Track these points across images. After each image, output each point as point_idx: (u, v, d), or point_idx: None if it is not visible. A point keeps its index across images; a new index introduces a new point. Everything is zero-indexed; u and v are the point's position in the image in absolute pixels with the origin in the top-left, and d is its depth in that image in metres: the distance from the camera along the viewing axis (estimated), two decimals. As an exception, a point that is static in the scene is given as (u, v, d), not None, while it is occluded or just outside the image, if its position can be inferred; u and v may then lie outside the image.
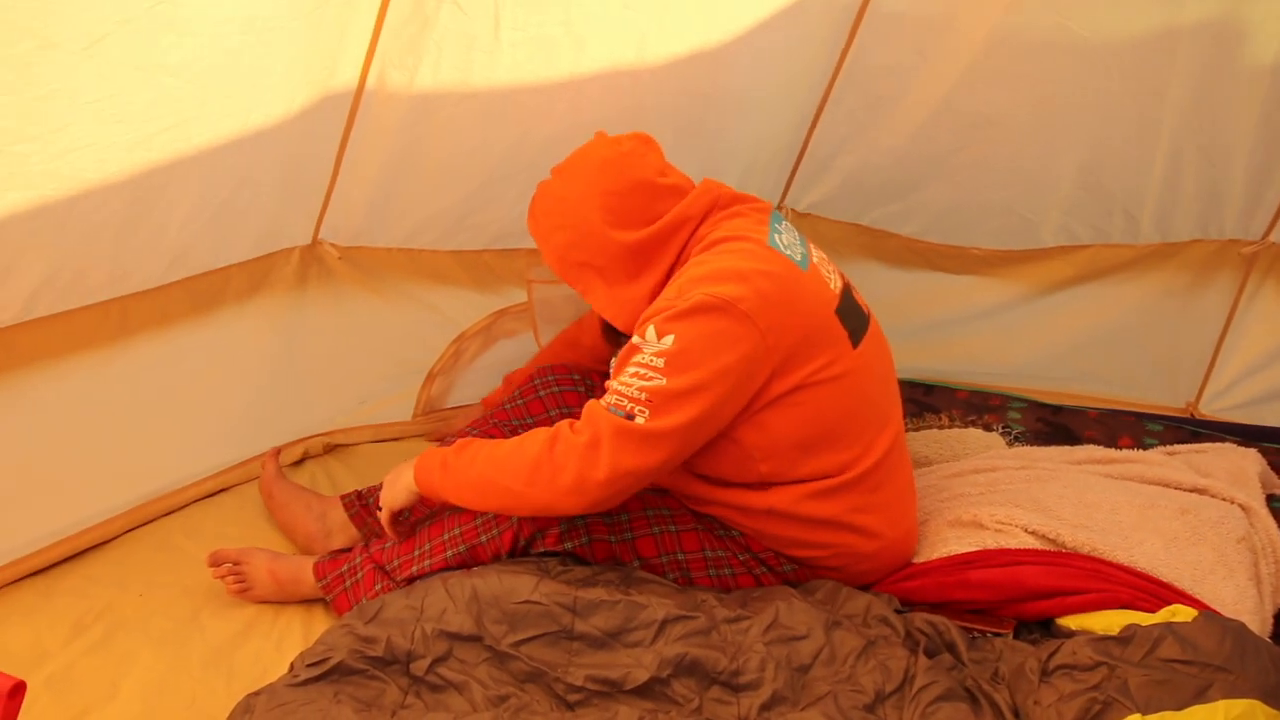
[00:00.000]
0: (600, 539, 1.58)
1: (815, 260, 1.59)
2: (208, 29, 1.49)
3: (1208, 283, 2.28)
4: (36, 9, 1.29)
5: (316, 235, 2.02)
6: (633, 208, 1.57)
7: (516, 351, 2.28)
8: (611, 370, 1.63)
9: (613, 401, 1.45)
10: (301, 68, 1.66)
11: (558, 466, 1.44)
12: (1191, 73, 1.99)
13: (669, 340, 1.44)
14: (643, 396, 1.43)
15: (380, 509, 1.65)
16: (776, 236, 1.57)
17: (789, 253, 1.54)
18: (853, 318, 1.59)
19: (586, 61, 1.86)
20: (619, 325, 1.59)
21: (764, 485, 1.55)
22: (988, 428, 2.18)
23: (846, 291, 1.61)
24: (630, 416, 1.43)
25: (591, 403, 1.48)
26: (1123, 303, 2.33)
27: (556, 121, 1.94)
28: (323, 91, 1.74)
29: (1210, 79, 1.99)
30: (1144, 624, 1.40)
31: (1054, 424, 2.21)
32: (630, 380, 1.45)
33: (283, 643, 1.64)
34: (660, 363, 1.43)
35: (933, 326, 2.44)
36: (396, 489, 1.61)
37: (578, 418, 1.49)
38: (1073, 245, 2.30)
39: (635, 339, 1.48)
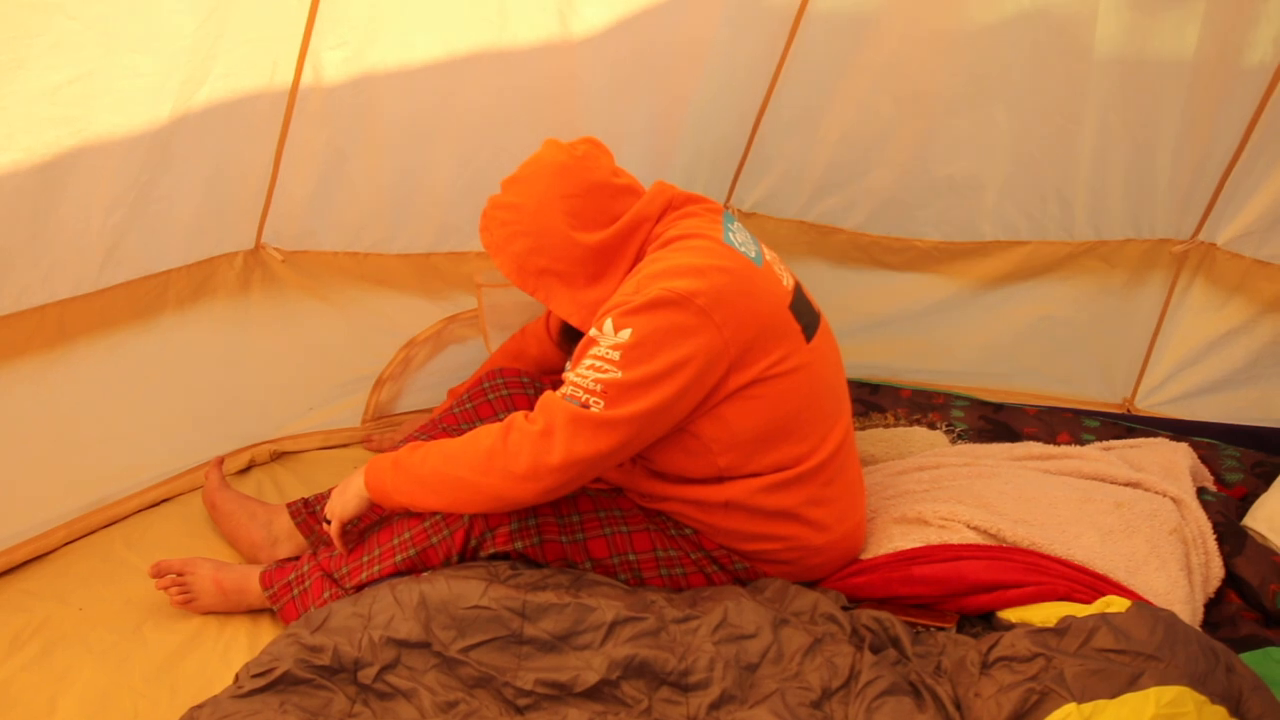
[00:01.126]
0: (551, 539, 1.59)
1: (768, 258, 1.62)
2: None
3: (1141, 281, 2.35)
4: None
5: (259, 239, 2.00)
6: (592, 209, 1.59)
7: (466, 357, 2.28)
8: (570, 363, 1.64)
9: (568, 392, 1.46)
10: (229, 54, 1.64)
11: (511, 454, 1.44)
12: (1112, 64, 2.05)
13: (625, 334, 1.45)
14: (598, 388, 1.44)
15: (328, 520, 1.63)
16: (730, 235, 1.59)
17: (743, 250, 1.57)
18: (805, 314, 1.61)
19: (510, 34, 1.87)
20: (582, 328, 1.59)
21: (721, 479, 1.57)
22: (932, 426, 2.23)
23: (798, 289, 1.64)
24: (585, 406, 1.44)
25: (547, 393, 1.50)
26: (1061, 300, 2.39)
27: (486, 96, 1.94)
28: (263, 80, 1.72)
29: (1132, 72, 2.06)
30: (1080, 615, 1.44)
31: (995, 422, 2.25)
32: (586, 372, 1.46)
33: (228, 654, 1.62)
34: (616, 355, 1.45)
35: (876, 324, 2.48)
36: (346, 496, 1.60)
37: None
38: (1011, 241, 2.35)
39: (593, 331, 1.50)
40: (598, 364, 1.46)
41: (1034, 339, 2.44)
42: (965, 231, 2.36)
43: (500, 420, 1.76)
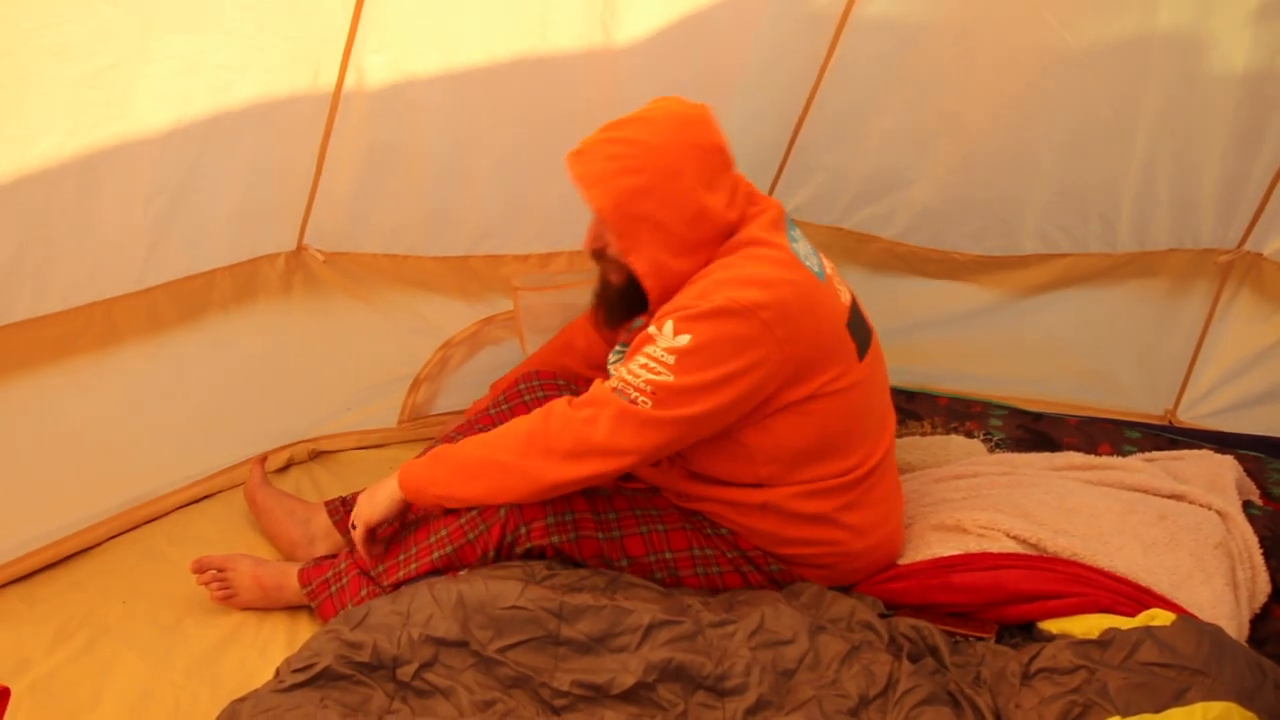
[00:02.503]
0: (588, 535, 1.58)
1: (829, 272, 1.61)
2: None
3: (1185, 291, 2.31)
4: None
5: (301, 240, 2.02)
6: (713, 171, 1.52)
7: (502, 359, 2.29)
8: (616, 356, 1.65)
9: (617, 386, 1.46)
10: (277, 56, 1.66)
11: (553, 434, 1.45)
12: (1164, 80, 2.03)
13: (685, 339, 1.44)
14: (648, 389, 1.44)
15: (354, 525, 1.62)
16: (795, 245, 1.58)
17: (807, 263, 1.55)
18: (859, 330, 1.61)
19: (551, 40, 1.87)
20: (653, 292, 1.54)
21: (760, 485, 1.57)
22: (969, 434, 2.21)
23: (854, 304, 1.63)
24: (633, 402, 1.45)
25: (596, 383, 1.50)
26: (1102, 310, 2.36)
27: (530, 102, 1.95)
28: (306, 83, 1.74)
29: (1183, 86, 2.03)
30: (1123, 628, 1.42)
31: (1034, 431, 2.23)
32: (638, 370, 1.46)
33: (267, 649, 1.64)
34: (671, 359, 1.44)
35: (913, 330, 2.46)
36: (376, 500, 1.60)
37: None
38: (1052, 254, 2.33)
39: (651, 329, 1.48)
40: (651, 364, 1.45)
41: (1074, 347, 2.41)
42: (1005, 247, 2.34)
43: None
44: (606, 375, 1.65)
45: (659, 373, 1.45)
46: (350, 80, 1.80)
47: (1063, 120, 2.13)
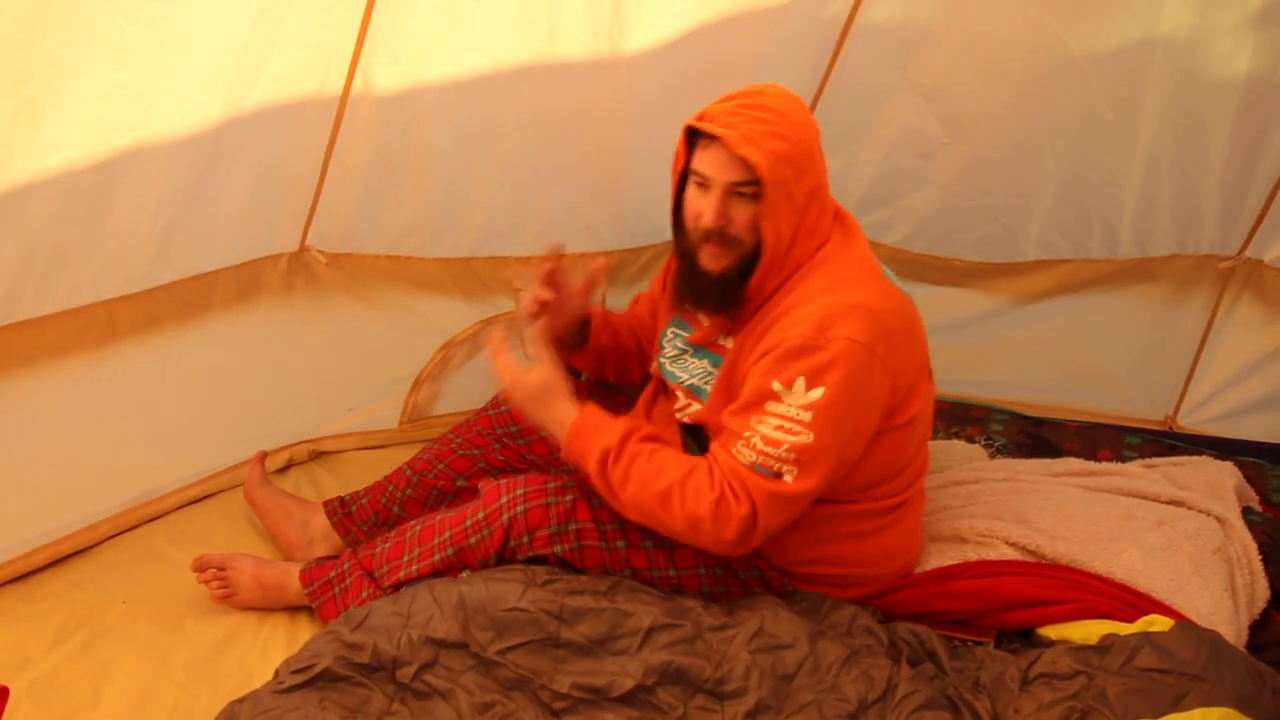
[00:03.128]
0: (591, 546, 1.58)
1: (909, 293, 1.60)
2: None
3: (1186, 297, 2.31)
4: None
5: (304, 241, 2.02)
6: (824, 158, 1.52)
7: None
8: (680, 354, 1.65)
9: (758, 460, 1.44)
10: (278, 47, 1.66)
11: (720, 524, 1.44)
12: (1167, 86, 2.03)
13: (817, 393, 1.42)
14: (790, 456, 1.43)
15: (501, 374, 1.58)
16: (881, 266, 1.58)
17: (896, 282, 1.55)
18: (927, 355, 1.62)
19: (559, 50, 1.87)
20: (763, 267, 1.49)
21: (817, 501, 1.54)
22: (970, 439, 2.21)
23: None
24: (778, 475, 1.43)
25: (736, 465, 1.45)
26: (1103, 315, 2.36)
27: (536, 111, 1.95)
28: (314, 87, 1.75)
29: (1185, 93, 2.03)
30: (1122, 634, 1.43)
31: (1035, 436, 2.23)
32: (776, 435, 1.43)
33: (267, 650, 1.64)
34: (808, 416, 1.42)
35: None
36: (546, 412, 1.56)
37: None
38: (1053, 259, 2.33)
39: (776, 385, 1.44)
40: (788, 425, 1.43)
41: (1075, 353, 2.42)
42: (1007, 254, 2.34)
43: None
44: (655, 373, 1.67)
45: (798, 433, 1.42)
46: (357, 85, 1.80)
47: (1065, 126, 2.13)
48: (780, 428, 1.43)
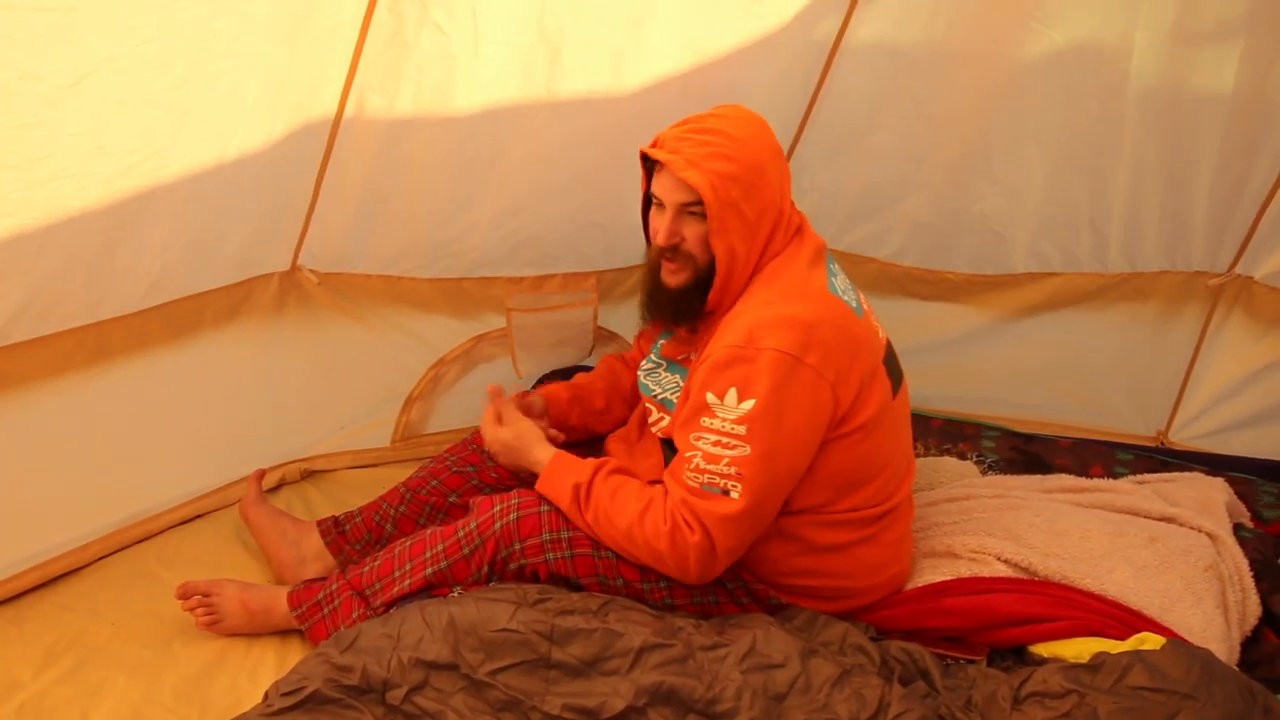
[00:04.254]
0: (583, 554, 1.58)
1: (866, 308, 1.63)
2: (190, 58, 1.50)
3: (1176, 313, 2.32)
4: (23, 44, 1.30)
5: (295, 261, 2.02)
6: (784, 176, 1.58)
7: (495, 376, 2.29)
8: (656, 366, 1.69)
9: (704, 480, 1.48)
10: (280, 94, 1.68)
11: (680, 557, 1.50)
12: (1155, 101, 2.04)
13: (749, 404, 1.46)
14: (733, 471, 1.46)
15: (483, 436, 1.69)
16: (833, 280, 1.59)
17: (845, 298, 1.57)
18: (893, 368, 1.64)
19: (564, 82, 1.88)
20: (719, 282, 1.55)
21: (784, 512, 1.57)
22: (962, 456, 2.21)
23: (888, 343, 1.66)
24: (725, 493, 1.47)
25: (683, 494, 1.49)
26: (1094, 332, 2.38)
27: (533, 144, 1.96)
28: (303, 118, 1.76)
29: (1173, 108, 2.05)
30: (1113, 652, 1.42)
31: (1027, 453, 2.23)
32: (714, 451, 1.47)
33: (256, 672, 1.63)
34: (742, 429, 1.46)
35: (907, 353, 2.42)
36: (523, 457, 1.66)
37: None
38: (1044, 272, 2.34)
39: (710, 398, 1.48)
40: (724, 440, 1.47)
41: (1066, 369, 2.42)
42: (997, 265, 2.35)
43: None
44: (637, 389, 1.71)
45: (736, 446, 1.46)
46: (350, 111, 1.80)
47: (1054, 139, 2.14)
48: (718, 443, 1.47)
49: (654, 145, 1.58)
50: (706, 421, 1.49)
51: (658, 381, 1.72)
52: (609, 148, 1.97)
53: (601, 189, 2.09)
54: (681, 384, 1.65)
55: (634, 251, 2.27)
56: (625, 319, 2.35)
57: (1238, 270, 2.24)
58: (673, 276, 1.60)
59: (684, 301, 1.60)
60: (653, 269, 1.64)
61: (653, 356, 1.76)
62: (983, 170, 2.23)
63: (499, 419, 1.71)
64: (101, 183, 1.52)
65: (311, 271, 2.03)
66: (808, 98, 2.15)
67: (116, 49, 1.39)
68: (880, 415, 1.57)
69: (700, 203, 1.52)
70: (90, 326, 1.73)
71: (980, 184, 2.25)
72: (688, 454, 1.50)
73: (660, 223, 1.57)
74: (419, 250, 2.09)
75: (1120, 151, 2.13)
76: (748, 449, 1.46)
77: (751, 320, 1.50)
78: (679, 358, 1.70)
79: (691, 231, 1.56)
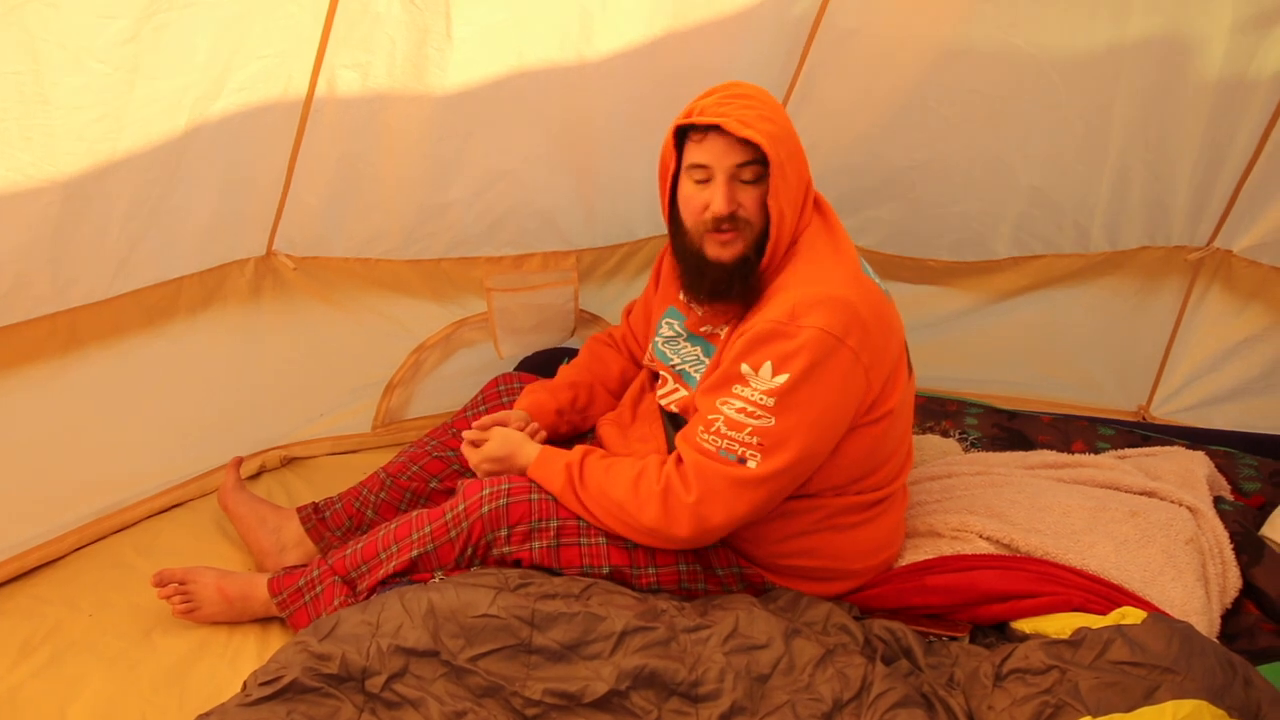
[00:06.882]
0: (569, 543, 1.57)
1: (885, 288, 1.61)
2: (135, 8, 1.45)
3: (1156, 288, 2.32)
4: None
5: (271, 246, 2.00)
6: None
7: (476, 361, 2.27)
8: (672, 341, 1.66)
9: (721, 445, 1.46)
10: (236, 53, 1.63)
11: (672, 521, 1.48)
12: (1137, 88, 2.03)
13: (782, 379, 1.44)
14: (754, 440, 1.45)
15: (470, 464, 1.66)
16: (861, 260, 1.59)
17: (874, 279, 1.56)
18: (907, 349, 1.63)
19: (531, 56, 1.85)
20: (772, 244, 1.51)
21: (797, 495, 1.56)
22: (945, 433, 2.21)
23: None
24: (742, 461, 1.45)
25: (694, 455, 1.47)
26: (1075, 308, 2.37)
27: (507, 118, 1.93)
28: (270, 87, 1.72)
29: (1155, 94, 2.03)
30: (1095, 627, 1.42)
31: (1009, 429, 2.23)
32: (738, 418, 1.45)
33: (237, 661, 1.62)
34: (771, 401, 1.44)
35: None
36: (511, 459, 1.63)
37: None
38: (1025, 256, 2.33)
39: (744, 368, 1.46)
40: (750, 409, 1.45)
41: (1048, 346, 2.42)
42: (980, 253, 2.35)
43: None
44: (646, 368, 1.70)
45: (760, 417, 1.45)
46: (321, 89, 1.77)
47: (1037, 127, 2.13)
48: (743, 410, 1.45)
49: (690, 115, 1.51)
50: (737, 389, 1.47)
51: (677, 351, 1.69)
52: (583, 120, 1.95)
53: (578, 163, 2.06)
54: (702, 357, 1.64)
55: (616, 230, 2.25)
56: (608, 300, 2.33)
57: (1217, 244, 2.24)
58: (726, 249, 1.52)
59: (745, 271, 1.53)
60: (690, 249, 1.55)
61: (675, 326, 1.72)
62: (964, 166, 2.20)
63: (476, 444, 1.68)
64: (50, 137, 1.46)
65: (288, 256, 2.01)
66: (786, 83, 2.12)
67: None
68: (904, 397, 1.58)
69: (753, 163, 1.48)
70: (62, 314, 1.70)
71: (963, 180, 2.22)
72: (710, 416, 1.48)
73: (713, 191, 1.50)
74: (396, 230, 2.06)
75: (1107, 136, 2.10)
76: (773, 420, 1.44)
77: (796, 297, 1.47)
78: (701, 329, 1.67)
79: (747, 196, 1.51)
